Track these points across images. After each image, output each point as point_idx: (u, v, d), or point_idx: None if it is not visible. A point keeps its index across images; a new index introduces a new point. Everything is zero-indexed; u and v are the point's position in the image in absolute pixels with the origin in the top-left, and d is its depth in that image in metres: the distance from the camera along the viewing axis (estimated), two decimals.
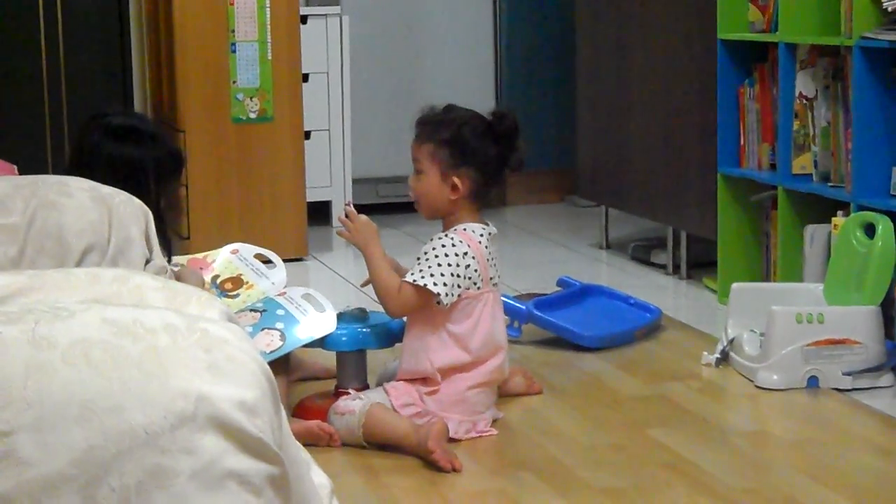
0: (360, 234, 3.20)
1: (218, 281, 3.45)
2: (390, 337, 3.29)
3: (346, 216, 3.22)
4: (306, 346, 3.28)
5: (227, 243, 3.59)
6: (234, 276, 3.44)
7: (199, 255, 3.50)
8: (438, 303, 3.09)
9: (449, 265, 3.10)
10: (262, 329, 3.27)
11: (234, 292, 3.41)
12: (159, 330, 1.52)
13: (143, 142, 3.19)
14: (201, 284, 3.27)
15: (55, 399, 1.45)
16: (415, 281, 3.09)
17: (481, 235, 3.18)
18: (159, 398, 1.47)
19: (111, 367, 1.47)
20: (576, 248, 5.50)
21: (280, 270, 3.51)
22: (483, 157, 3.18)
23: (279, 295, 3.41)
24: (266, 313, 3.32)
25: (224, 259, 3.51)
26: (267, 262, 3.57)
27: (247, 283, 3.45)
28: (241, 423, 1.51)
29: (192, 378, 1.50)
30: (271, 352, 3.22)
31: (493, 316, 3.19)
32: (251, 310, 3.34)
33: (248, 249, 3.56)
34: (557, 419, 3.30)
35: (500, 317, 3.24)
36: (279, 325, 3.27)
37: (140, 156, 3.16)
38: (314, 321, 3.28)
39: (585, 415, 3.33)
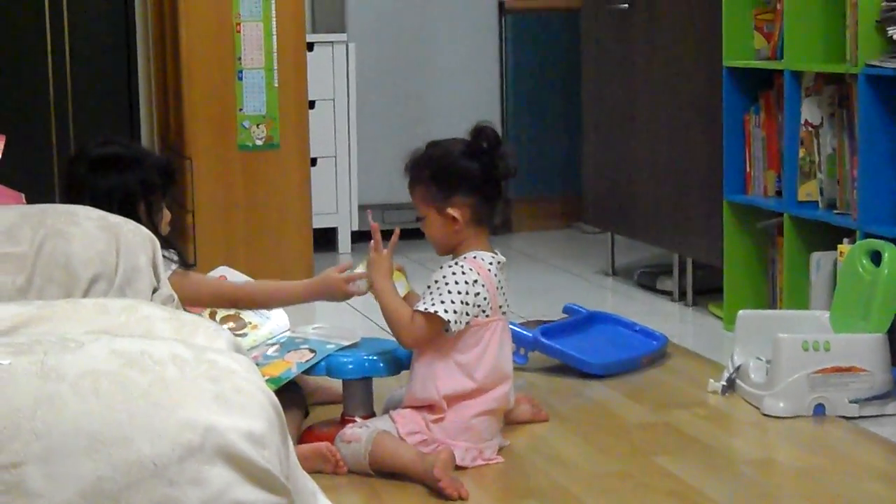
0: (376, 272, 3.20)
1: (217, 319, 3.43)
2: (397, 364, 3.29)
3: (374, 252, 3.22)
4: (315, 373, 3.28)
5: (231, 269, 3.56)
6: (232, 314, 3.43)
7: (162, 216, 3.45)
8: (446, 330, 3.09)
9: (459, 293, 3.10)
10: (289, 350, 3.28)
11: (241, 332, 3.40)
12: (167, 361, 1.53)
13: (127, 168, 3.20)
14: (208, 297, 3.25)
15: (64, 430, 1.45)
16: (426, 309, 3.09)
17: (490, 263, 3.18)
18: (167, 429, 1.48)
19: (119, 399, 1.48)
20: (582, 274, 5.51)
21: (280, 313, 3.50)
22: (470, 179, 3.17)
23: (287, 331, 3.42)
24: (285, 343, 3.33)
25: None
26: None
27: (250, 322, 3.43)
28: (249, 453, 1.51)
29: (200, 409, 1.50)
30: (306, 361, 3.22)
31: (500, 344, 3.19)
32: (267, 344, 3.35)
33: (236, 278, 3.53)
34: (563, 447, 3.30)
35: (508, 345, 3.24)
36: (304, 346, 3.28)
37: (126, 182, 3.17)
38: (337, 337, 3.30)
39: (591, 442, 3.33)
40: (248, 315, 3.42)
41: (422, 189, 3.21)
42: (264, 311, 3.46)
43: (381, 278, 3.19)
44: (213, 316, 3.42)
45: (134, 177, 3.20)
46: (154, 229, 3.13)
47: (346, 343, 3.30)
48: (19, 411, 1.45)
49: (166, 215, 3.31)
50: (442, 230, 3.20)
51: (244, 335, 3.39)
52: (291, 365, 3.23)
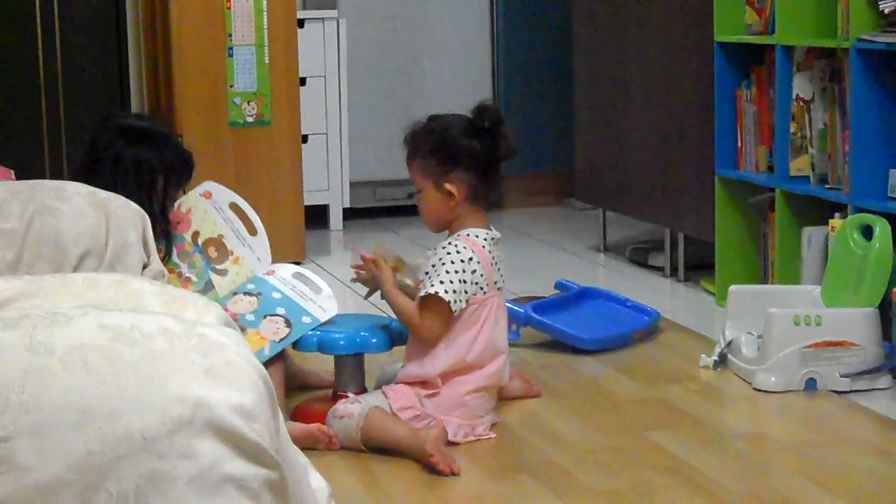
0: (379, 281, 3.20)
1: (200, 241, 3.38)
2: (389, 340, 3.29)
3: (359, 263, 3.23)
4: (302, 348, 3.27)
5: None
6: (216, 237, 3.37)
7: (174, 207, 3.42)
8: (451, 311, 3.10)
9: (456, 272, 3.10)
10: (265, 316, 3.26)
11: (222, 265, 3.36)
12: (156, 335, 1.52)
13: (155, 144, 3.19)
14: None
15: (53, 404, 1.45)
16: (426, 292, 3.08)
17: (485, 240, 3.18)
18: (157, 403, 1.47)
19: (109, 373, 1.47)
20: (573, 250, 5.51)
21: (263, 241, 3.44)
22: (471, 156, 3.17)
23: (268, 274, 3.37)
24: (262, 298, 3.30)
25: (199, 208, 3.42)
26: (243, 218, 3.49)
27: (232, 253, 3.37)
28: (239, 427, 1.51)
29: (190, 383, 1.50)
30: (280, 340, 3.21)
31: (496, 321, 3.19)
32: (245, 293, 3.31)
33: (222, 194, 3.42)
34: (556, 422, 3.30)
35: (504, 322, 3.24)
36: (280, 311, 3.26)
37: (151, 157, 3.16)
38: (315, 304, 3.28)
39: (584, 418, 3.33)
40: (231, 242, 3.37)
41: (420, 162, 3.21)
42: (248, 239, 3.41)
43: (388, 288, 3.19)
44: (195, 238, 3.37)
45: (162, 155, 3.19)
46: (163, 213, 3.12)
47: (322, 319, 3.27)
48: (8, 386, 1.45)
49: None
50: (437, 205, 3.20)
51: (224, 272, 3.36)
52: (265, 344, 3.21)
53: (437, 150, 3.17)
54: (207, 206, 3.43)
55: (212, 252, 3.37)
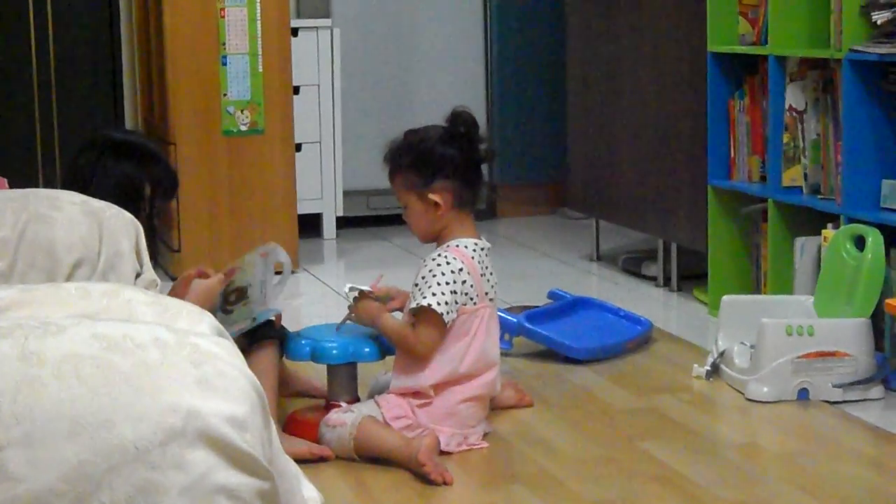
0: (366, 315, 3.20)
1: (226, 291, 3.37)
2: (382, 349, 3.29)
3: (355, 301, 3.22)
4: (295, 357, 3.27)
5: (216, 256, 3.46)
6: (244, 286, 3.38)
7: (233, 265, 3.42)
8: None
9: (447, 283, 3.10)
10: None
11: (231, 307, 3.36)
12: (149, 345, 1.52)
13: (142, 160, 3.18)
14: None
15: (45, 414, 1.45)
16: (417, 304, 3.08)
17: (473, 250, 3.18)
18: (149, 413, 1.47)
19: (101, 383, 1.47)
20: (567, 260, 5.51)
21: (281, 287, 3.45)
22: (450, 163, 3.17)
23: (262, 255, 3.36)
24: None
25: (249, 262, 3.42)
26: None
27: (248, 301, 3.38)
28: (231, 437, 1.51)
29: (182, 393, 1.50)
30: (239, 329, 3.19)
31: (488, 331, 3.18)
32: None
33: (279, 255, 3.46)
34: (548, 432, 3.30)
35: (496, 332, 3.24)
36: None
37: (138, 173, 3.15)
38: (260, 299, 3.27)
39: (576, 427, 3.33)
40: (253, 293, 3.35)
41: (402, 177, 3.22)
42: (269, 290, 3.39)
43: (374, 318, 3.18)
44: (225, 291, 3.33)
45: (149, 171, 3.18)
46: (150, 226, 3.12)
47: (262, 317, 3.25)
48: (0, 395, 1.45)
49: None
50: (424, 217, 3.20)
51: (230, 312, 3.34)
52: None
53: (416, 163, 3.18)
54: (258, 261, 3.42)
55: (231, 297, 3.36)
